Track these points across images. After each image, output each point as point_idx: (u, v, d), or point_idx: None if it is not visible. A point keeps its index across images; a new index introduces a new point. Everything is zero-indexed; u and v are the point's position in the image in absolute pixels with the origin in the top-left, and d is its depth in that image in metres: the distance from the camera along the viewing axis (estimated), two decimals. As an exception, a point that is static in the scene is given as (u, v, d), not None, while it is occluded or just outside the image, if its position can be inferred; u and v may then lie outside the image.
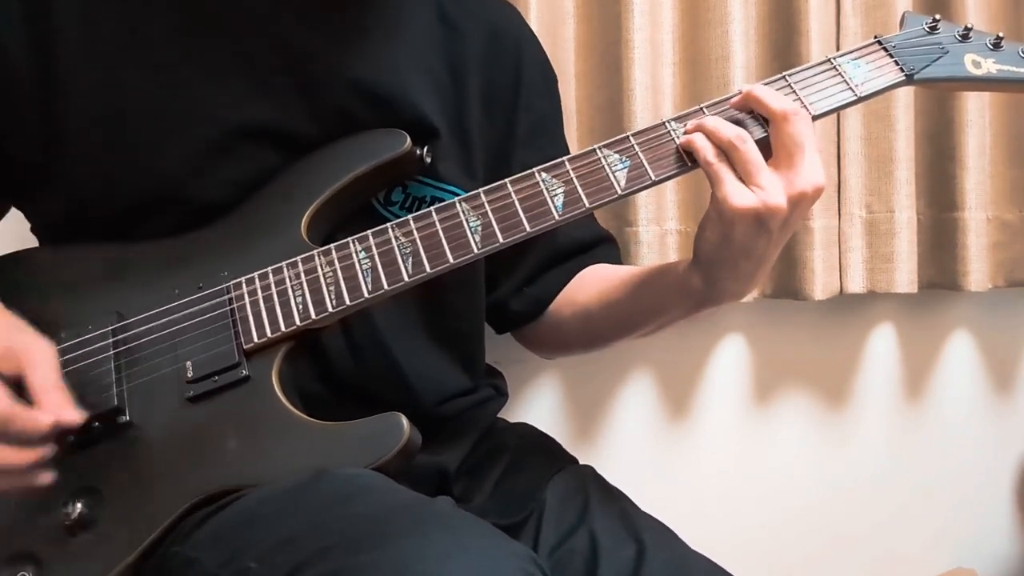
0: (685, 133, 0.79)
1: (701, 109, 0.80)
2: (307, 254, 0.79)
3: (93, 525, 0.73)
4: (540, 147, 0.96)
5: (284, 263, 0.79)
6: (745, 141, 0.76)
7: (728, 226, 0.76)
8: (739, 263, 0.79)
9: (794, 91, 0.81)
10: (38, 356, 0.73)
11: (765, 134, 0.78)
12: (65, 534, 0.73)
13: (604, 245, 1.05)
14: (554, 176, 0.79)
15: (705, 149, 0.76)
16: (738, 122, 0.79)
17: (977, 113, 1.34)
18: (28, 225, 0.90)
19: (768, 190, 0.74)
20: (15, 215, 0.90)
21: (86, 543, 0.73)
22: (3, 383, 0.70)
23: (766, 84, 0.81)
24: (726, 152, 0.76)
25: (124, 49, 0.82)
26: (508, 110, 0.96)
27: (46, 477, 0.71)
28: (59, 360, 0.76)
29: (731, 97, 0.80)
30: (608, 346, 1.01)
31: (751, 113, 0.79)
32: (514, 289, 1.00)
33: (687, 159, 0.78)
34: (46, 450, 0.70)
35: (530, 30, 1.05)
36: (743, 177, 0.75)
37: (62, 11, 0.81)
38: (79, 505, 0.73)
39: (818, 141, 1.26)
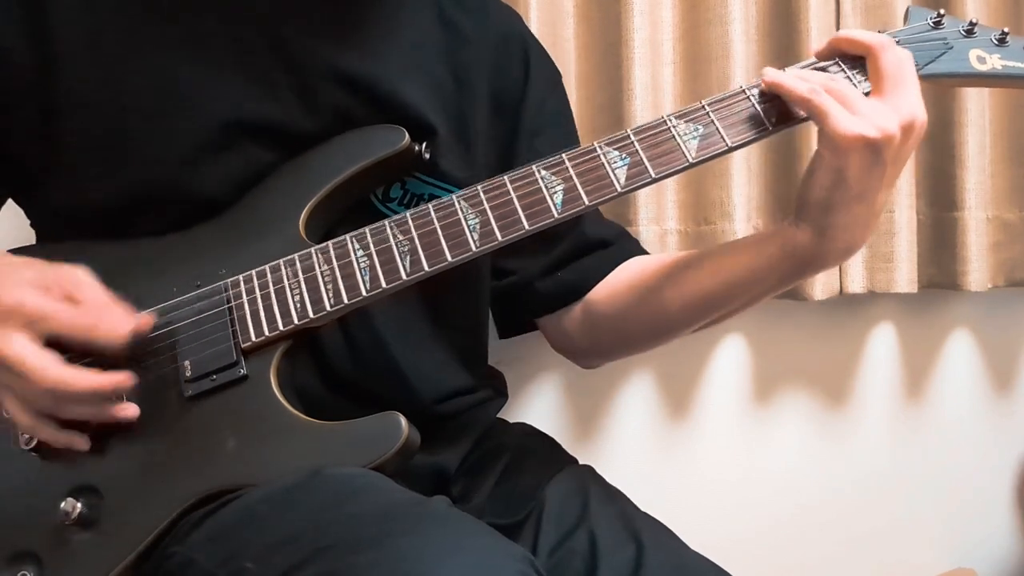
0: (764, 79, 0.77)
1: (703, 106, 0.79)
2: (305, 252, 0.79)
3: (93, 524, 0.73)
4: (553, 138, 0.96)
5: (282, 261, 0.79)
6: (835, 79, 0.75)
7: (843, 159, 0.73)
8: (853, 206, 0.75)
9: None
10: (83, 279, 0.74)
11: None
12: (65, 533, 0.73)
13: (629, 237, 1.03)
14: (553, 173, 0.79)
15: (801, 85, 0.74)
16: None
17: (977, 112, 1.34)
18: (27, 221, 0.90)
19: (877, 116, 0.73)
20: (15, 212, 0.90)
21: (86, 542, 0.73)
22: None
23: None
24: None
25: (123, 46, 0.82)
26: (516, 110, 0.95)
27: (130, 409, 0.74)
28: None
29: (735, 92, 0.79)
30: (677, 335, 0.95)
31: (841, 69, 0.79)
32: (540, 273, 0.97)
33: (760, 122, 0.77)
34: (123, 377, 0.72)
35: (530, 30, 1.05)
36: (847, 108, 0.73)
37: (61, 8, 0.81)
38: (79, 504, 0.73)
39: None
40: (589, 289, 0.97)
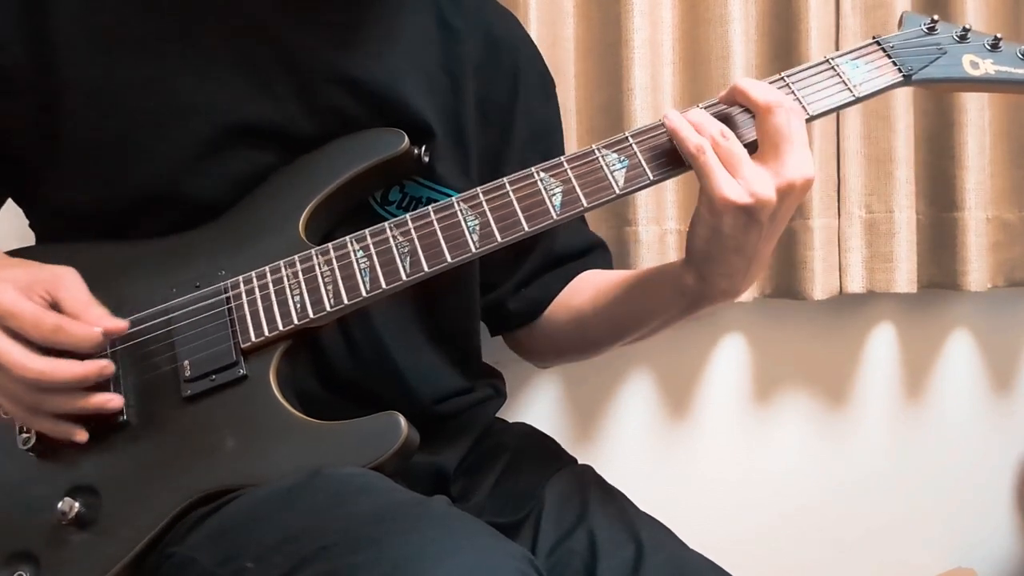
0: (665, 123, 0.78)
1: (702, 108, 0.80)
2: (304, 253, 0.79)
3: (91, 524, 0.73)
4: (542, 151, 0.96)
5: (282, 262, 0.79)
6: (727, 137, 0.76)
7: (717, 219, 0.75)
8: (730, 258, 0.78)
9: (792, 91, 0.80)
10: (66, 279, 0.74)
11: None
12: (63, 533, 0.73)
13: (598, 251, 1.05)
14: (552, 175, 0.79)
15: (695, 139, 0.76)
16: (727, 118, 0.79)
17: (977, 113, 1.34)
18: (27, 223, 0.90)
19: (753, 181, 0.74)
20: (15, 212, 0.90)
21: (84, 542, 0.73)
22: (45, 304, 0.72)
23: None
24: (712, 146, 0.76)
25: (122, 47, 0.82)
26: (505, 117, 0.96)
27: (114, 400, 0.73)
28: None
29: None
30: (602, 351, 1.01)
31: (744, 109, 0.79)
32: (512, 290, 1.00)
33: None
34: (106, 363, 0.72)
35: (528, 36, 1.05)
36: (729, 170, 0.75)
37: (61, 9, 0.81)
38: (77, 504, 0.73)
39: (817, 140, 1.27)
40: (547, 306, 1.00)
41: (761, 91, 0.77)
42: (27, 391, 0.72)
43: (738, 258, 0.78)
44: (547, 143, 1.00)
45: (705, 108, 0.80)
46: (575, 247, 1.02)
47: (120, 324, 0.74)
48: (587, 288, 0.98)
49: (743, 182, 0.74)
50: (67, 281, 0.75)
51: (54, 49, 0.80)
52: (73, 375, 0.71)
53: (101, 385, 0.74)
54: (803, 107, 0.79)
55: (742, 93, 0.78)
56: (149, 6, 0.83)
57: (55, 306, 0.73)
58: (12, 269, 0.75)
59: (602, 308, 0.94)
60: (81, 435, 0.74)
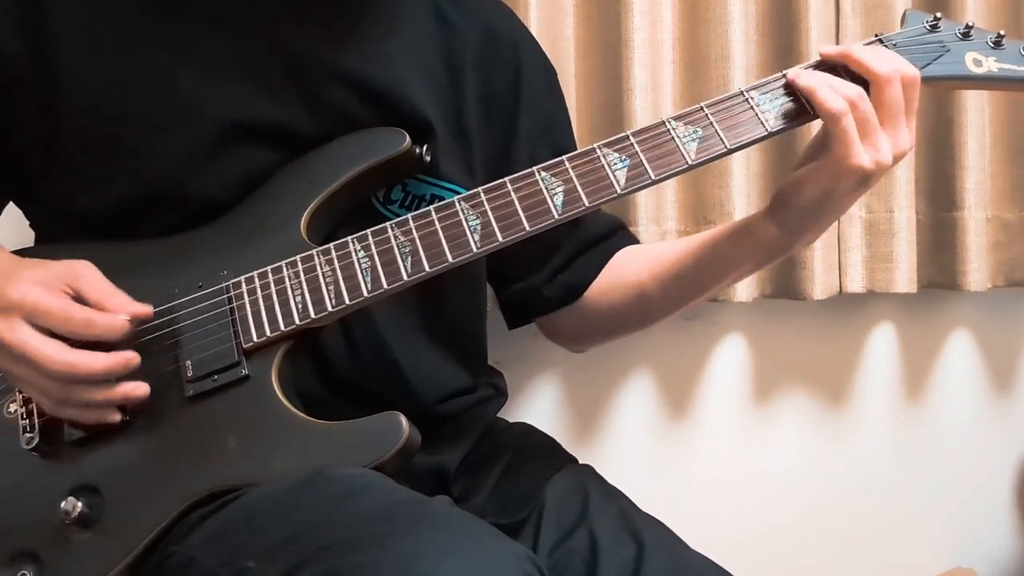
0: (796, 82, 0.79)
1: (701, 108, 0.80)
2: (306, 253, 0.79)
3: (93, 524, 0.73)
4: (550, 143, 0.97)
5: (283, 262, 0.79)
6: (864, 99, 0.77)
7: (837, 181, 0.78)
8: (828, 217, 0.82)
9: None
10: (84, 270, 0.75)
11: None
12: (65, 533, 0.73)
13: (623, 230, 1.05)
14: (553, 175, 0.79)
15: (829, 101, 0.76)
16: None
17: (977, 113, 1.34)
18: (27, 224, 0.90)
19: (881, 149, 0.76)
20: (15, 214, 0.90)
21: (86, 542, 0.73)
22: (69, 298, 0.73)
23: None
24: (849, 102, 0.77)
25: (123, 47, 0.82)
26: (509, 111, 0.96)
27: (140, 388, 0.74)
28: None
29: (733, 95, 0.80)
30: (661, 320, 1.01)
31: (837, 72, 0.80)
32: (547, 278, 0.99)
33: (759, 124, 0.79)
34: (131, 355, 0.73)
35: (528, 31, 1.05)
36: (861, 136, 0.76)
37: (61, 10, 0.81)
38: (79, 504, 0.73)
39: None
40: (586, 288, 1.00)
41: (880, 62, 0.78)
42: (57, 385, 0.72)
43: (832, 217, 0.83)
44: (556, 136, 1.00)
45: (713, 104, 0.80)
46: (604, 227, 1.02)
47: (145, 309, 0.76)
48: (640, 262, 0.98)
49: (871, 150, 0.76)
50: (86, 272, 0.75)
51: (54, 49, 0.80)
52: (103, 367, 0.72)
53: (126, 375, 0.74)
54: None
55: (858, 62, 0.79)
56: (149, 6, 0.83)
57: (78, 299, 0.74)
58: (28, 268, 0.76)
59: (668, 278, 0.94)
60: (115, 416, 0.74)
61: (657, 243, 1.02)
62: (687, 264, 0.92)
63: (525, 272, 0.99)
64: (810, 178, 0.79)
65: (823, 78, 0.78)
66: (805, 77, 0.79)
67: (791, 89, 0.80)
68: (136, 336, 0.77)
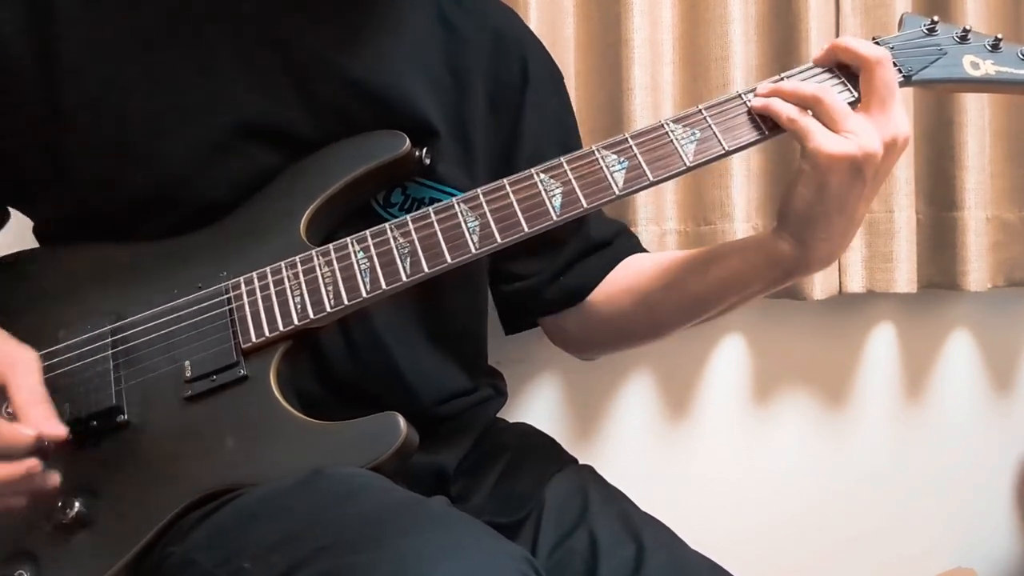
0: (756, 96, 0.80)
1: (700, 110, 0.80)
2: (305, 254, 0.79)
3: (91, 524, 0.73)
4: (557, 141, 0.96)
5: (283, 263, 0.79)
6: (827, 92, 0.78)
7: (823, 176, 0.77)
8: (833, 219, 0.79)
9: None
10: (21, 368, 0.71)
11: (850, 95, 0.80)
12: (63, 533, 0.73)
13: (629, 236, 1.04)
14: (552, 176, 0.79)
15: (786, 108, 0.78)
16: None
17: (977, 113, 1.34)
18: (29, 225, 0.90)
19: (860, 134, 0.76)
20: (16, 215, 0.90)
21: (83, 542, 0.73)
22: None
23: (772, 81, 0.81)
24: (811, 107, 0.78)
25: (125, 49, 0.82)
26: (516, 107, 0.95)
27: (51, 479, 0.70)
28: (58, 359, 0.77)
29: (732, 97, 0.81)
30: (671, 333, 0.98)
31: (832, 76, 0.81)
32: (550, 279, 0.98)
33: (757, 126, 0.80)
34: (32, 463, 0.68)
35: (531, 30, 1.05)
36: (831, 126, 0.77)
37: (64, 12, 0.81)
38: (77, 504, 0.72)
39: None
40: (590, 291, 0.98)
41: (866, 46, 0.79)
42: None
43: (840, 218, 0.79)
44: (562, 134, 0.99)
45: (712, 107, 0.81)
46: (610, 231, 1.01)
47: (59, 431, 0.69)
48: (649, 270, 0.96)
49: (850, 136, 0.76)
50: (22, 371, 0.71)
51: (58, 54, 0.80)
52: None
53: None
54: None
55: (845, 49, 0.80)
56: (152, 10, 0.83)
57: (2, 392, 0.71)
58: None
59: (676, 287, 0.92)
60: (48, 481, 0.70)
61: (668, 252, 1.00)
62: (697, 276, 0.91)
63: (526, 273, 0.98)
64: (800, 179, 0.79)
65: (787, 84, 0.80)
66: (756, 102, 0.80)
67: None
68: (133, 338, 0.77)
